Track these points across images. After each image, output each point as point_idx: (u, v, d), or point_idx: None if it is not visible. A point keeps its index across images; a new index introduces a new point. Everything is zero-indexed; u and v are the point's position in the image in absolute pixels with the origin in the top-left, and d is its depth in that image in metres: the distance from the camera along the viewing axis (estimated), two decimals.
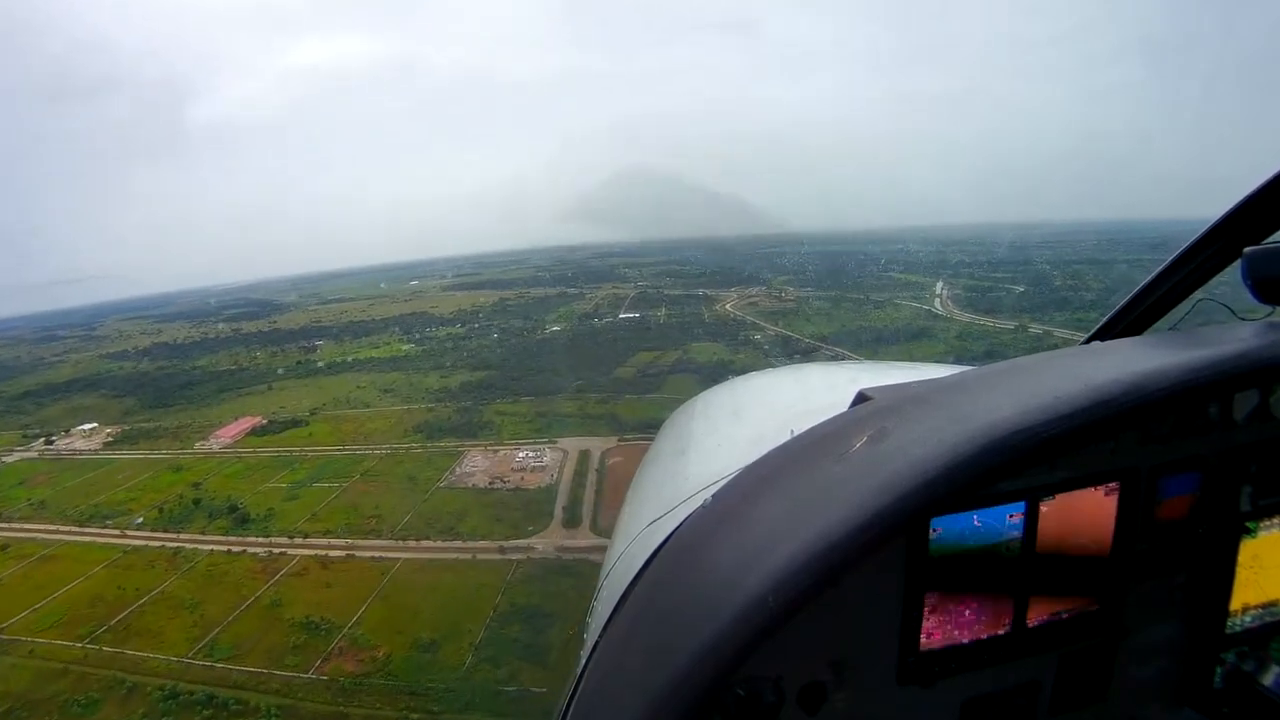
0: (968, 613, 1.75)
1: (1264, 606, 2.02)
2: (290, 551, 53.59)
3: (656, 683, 1.33)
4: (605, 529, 45.87)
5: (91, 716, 38.59)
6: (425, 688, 38.18)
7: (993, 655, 1.80)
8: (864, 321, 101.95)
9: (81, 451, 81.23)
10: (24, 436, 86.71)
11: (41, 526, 62.00)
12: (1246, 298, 2.07)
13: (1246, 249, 2.05)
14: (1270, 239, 2.16)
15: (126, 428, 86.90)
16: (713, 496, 1.92)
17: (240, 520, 58.89)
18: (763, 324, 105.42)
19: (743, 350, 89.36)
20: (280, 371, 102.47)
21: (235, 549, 54.84)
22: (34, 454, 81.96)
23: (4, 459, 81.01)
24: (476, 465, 63.96)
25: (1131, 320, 2.77)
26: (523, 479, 59.91)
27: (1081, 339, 3.06)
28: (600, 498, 55.36)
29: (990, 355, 57.28)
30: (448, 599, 45.43)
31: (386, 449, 70.14)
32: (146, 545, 57.13)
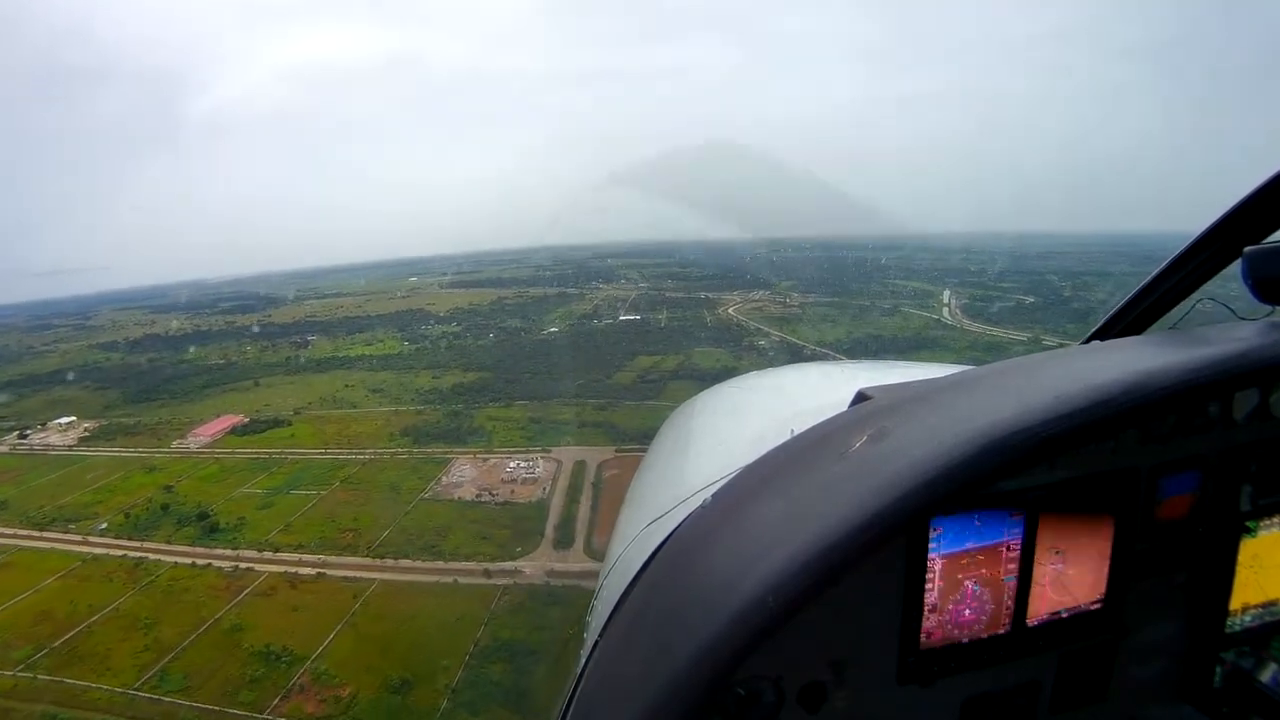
0: (968, 612, 1.73)
1: (1264, 606, 2.01)
2: (258, 567, 48.47)
3: (656, 683, 1.32)
4: (599, 552, 40.86)
5: None
6: None
7: (993, 655, 1.79)
8: (872, 329, 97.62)
9: (55, 447, 75.98)
10: None
11: None
12: (1247, 297, 2.02)
13: (1246, 248, 2.00)
14: (1270, 238, 2.12)
15: (105, 422, 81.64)
16: (712, 496, 1.89)
17: (209, 530, 53.77)
18: (767, 329, 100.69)
19: (746, 356, 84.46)
20: (268, 367, 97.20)
21: (201, 562, 49.71)
22: (5, 448, 76.67)
23: None
24: (464, 475, 58.82)
25: (1131, 320, 2.73)
26: (513, 492, 54.79)
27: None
28: (596, 515, 50.27)
29: None
30: (425, 630, 40.35)
31: (370, 454, 64.96)
32: (107, 554, 51.98)
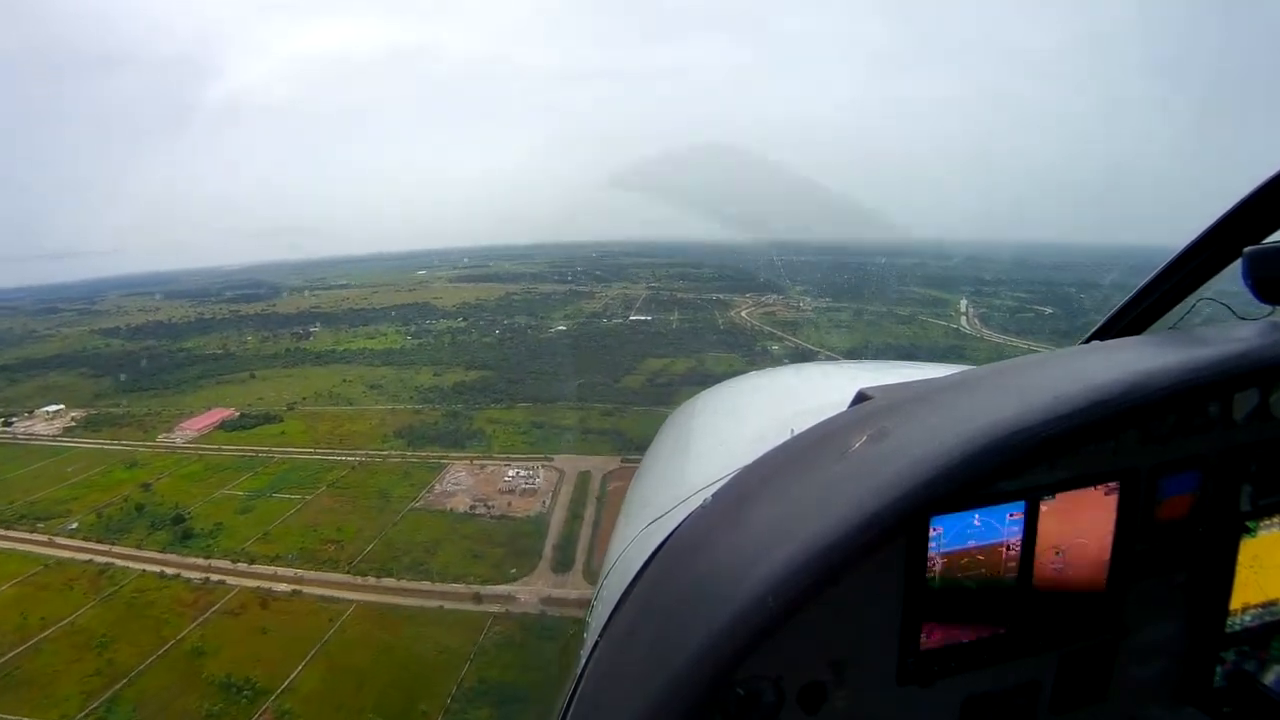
0: None
1: (1264, 606, 1.99)
2: (229, 580, 43.57)
3: (656, 682, 1.31)
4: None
5: None
6: None
7: (992, 655, 1.77)
8: (889, 338, 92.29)
9: (39, 436, 71.45)
10: None
11: None
12: (1247, 297, 2.00)
13: (1246, 248, 1.98)
14: (1270, 238, 2.11)
15: (94, 412, 77.08)
16: (712, 496, 1.89)
17: (183, 535, 48.91)
18: (780, 334, 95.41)
19: (760, 361, 78.91)
20: (267, 359, 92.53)
21: (170, 571, 44.87)
22: None
23: None
24: (459, 482, 53.78)
25: (1131, 320, 2.72)
26: (510, 504, 49.69)
27: None
28: (598, 533, 45.14)
29: None
30: (403, 665, 35.33)
31: (362, 456, 59.98)
32: (72, 559, 47.18)
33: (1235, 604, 1.96)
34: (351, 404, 73.41)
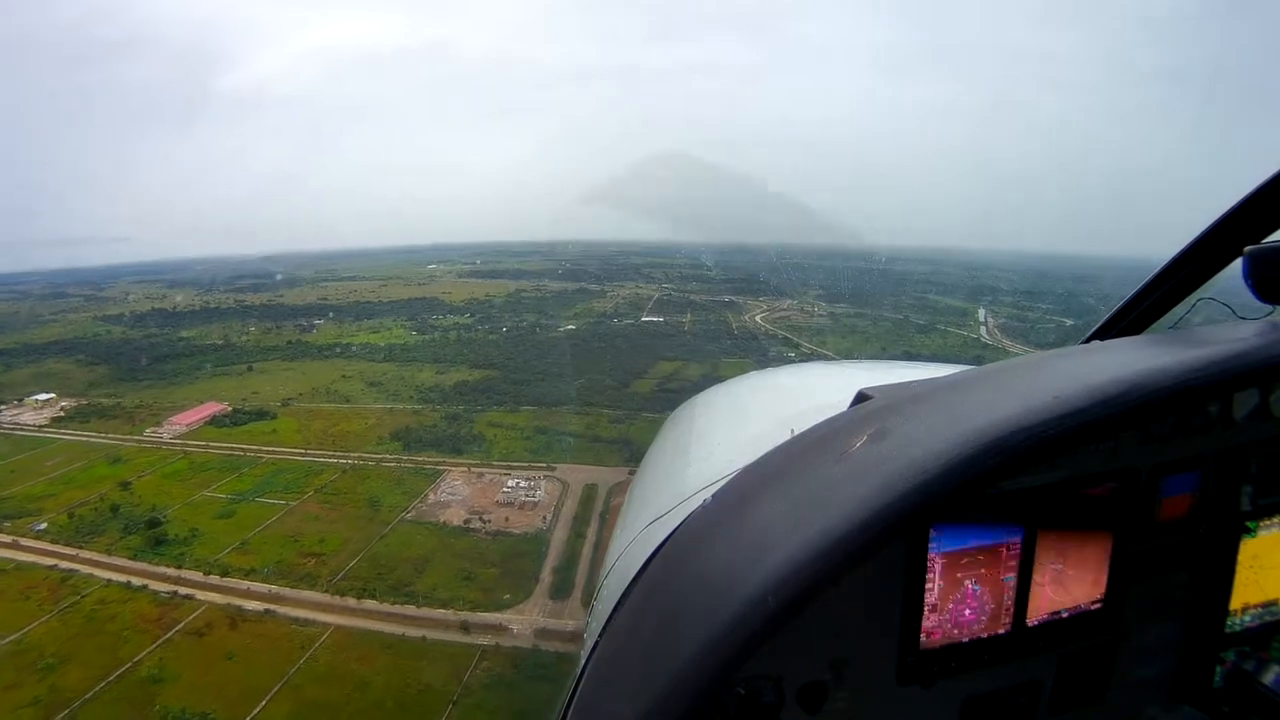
0: (968, 612, 1.69)
1: (1264, 606, 1.97)
2: (199, 595, 39.29)
3: (656, 682, 1.30)
4: None
5: None
6: None
7: (993, 655, 1.75)
8: (909, 346, 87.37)
9: (25, 426, 67.45)
10: None
11: None
12: (1247, 297, 1.97)
13: (1247, 248, 1.95)
14: (1271, 238, 2.08)
15: (85, 402, 73.16)
16: (713, 496, 1.86)
17: (156, 541, 44.70)
18: (797, 340, 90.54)
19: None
20: (267, 351, 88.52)
21: (137, 581, 40.67)
22: None
23: None
24: (455, 492, 49.30)
25: (1131, 319, 2.68)
26: (508, 519, 45.13)
27: None
28: (601, 555, 40.46)
29: None
30: (378, 704, 30.86)
31: (354, 459, 55.65)
32: (36, 563, 43.13)
33: (1235, 604, 1.93)
34: (349, 401, 69.13)
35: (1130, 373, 1.53)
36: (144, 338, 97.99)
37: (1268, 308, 1.94)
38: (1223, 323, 2.11)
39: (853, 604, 1.60)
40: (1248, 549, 1.90)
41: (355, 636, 35.43)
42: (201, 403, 69.56)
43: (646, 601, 1.71)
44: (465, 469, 52.90)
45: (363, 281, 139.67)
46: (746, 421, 3.26)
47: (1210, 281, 2.42)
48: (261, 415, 65.53)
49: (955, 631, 1.69)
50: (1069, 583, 1.76)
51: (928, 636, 1.66)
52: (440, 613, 36.60)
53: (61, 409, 71.46)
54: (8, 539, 45.70)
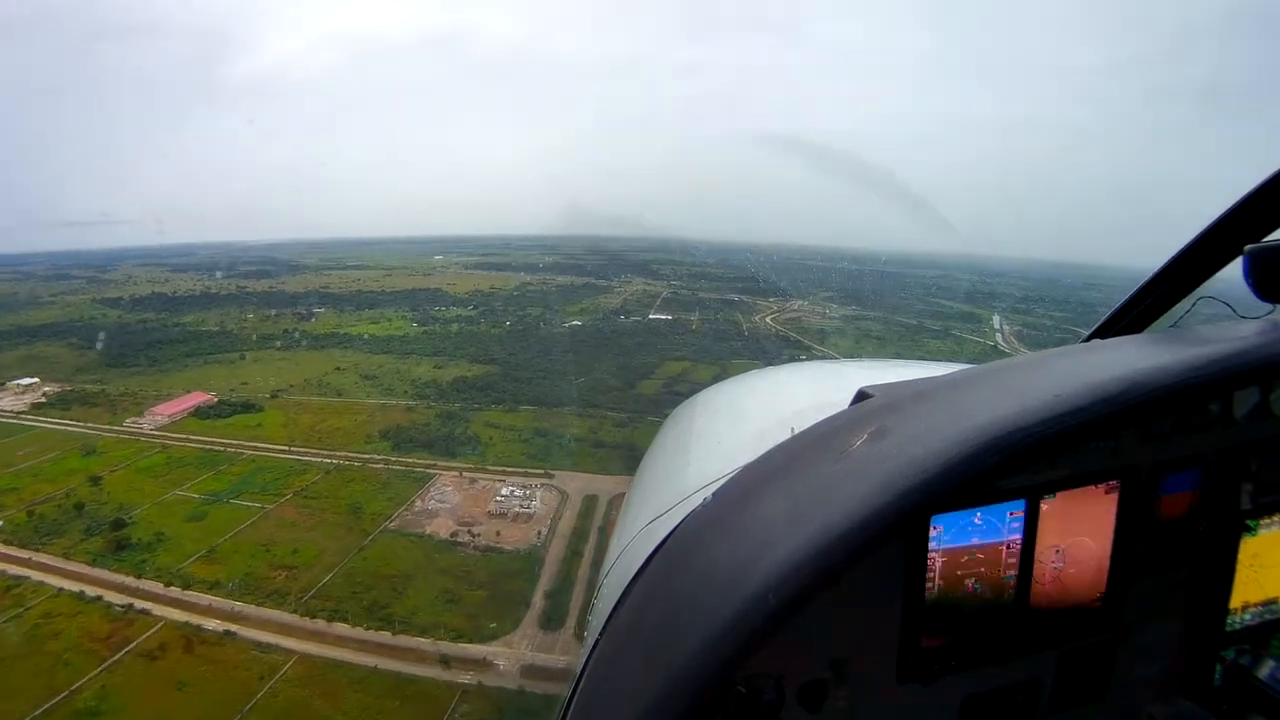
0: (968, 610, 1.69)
1: (1264, 604, 1.95)
2: (155, 610, 34.90)
3: (657, 681, 1.29)
4: None
5: None
6: None
7: (993, 653, 1.73)
8: (924, 352, 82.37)
9: (3, 412, 63.28)
10: None
11: None
12: (1248, 296, 1.95)
13: (1248, 246, 1.93)
14: (1271, 237, 2.07)
15: (69, 387, 68.96)
16: (713, 495, 1.84)
17: (118, 545, 40.35)
18: (809, 343, 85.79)
19: None
20: (263, 339, 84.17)
21: (91, 592, 36.30)
22: None
23: None
24: (444, 499, 44.76)
25: (1132, 318, 2.65)
26: (499, 533, 40.55)
27: None
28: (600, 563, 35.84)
29: None
30: None
31: (339, 458, 51.15)
32: None
33: (1235, 602, 1.91)
34: (340, 395, 64.68)
35: (1130, 371, 1.52)
36: (139, 322, 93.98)
37: (1268, 306, 1.91)
38: (1223, 321, 2.07)
39: (853, 602, 1.58)
40: (1248, 547, 1.87)
41: (322, 667, 30.96)
42: (187, 393, 65.22)
43: (647, 600, 1.68)
44: (457, 473, 48.34)
45: (367, 271, 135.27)
46: (747, 420, 3.17)
47: (1211, 280, 2.35)
48: (248, 408, 61.14)
49: (955, 630, 1.67)
50: (1069, 581, 1.73)
51: (928, 635, 1.64)
52: (418, 642, 32.10)
53: (44, 395, 67.28)
54: None
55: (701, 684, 1.22)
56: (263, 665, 31.00)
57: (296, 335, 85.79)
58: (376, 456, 51.28)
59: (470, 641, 32.11)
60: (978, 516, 1.61)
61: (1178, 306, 2.49)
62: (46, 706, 28.76)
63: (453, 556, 38.79)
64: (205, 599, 35.63)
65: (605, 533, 39.60)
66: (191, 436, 55.91)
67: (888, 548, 1.52)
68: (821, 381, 4.04)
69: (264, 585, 36.51)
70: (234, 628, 33.53)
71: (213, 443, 54.43)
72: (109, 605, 35.31)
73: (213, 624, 33.85)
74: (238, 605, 35.03)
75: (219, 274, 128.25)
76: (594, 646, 1.75)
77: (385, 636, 32.57)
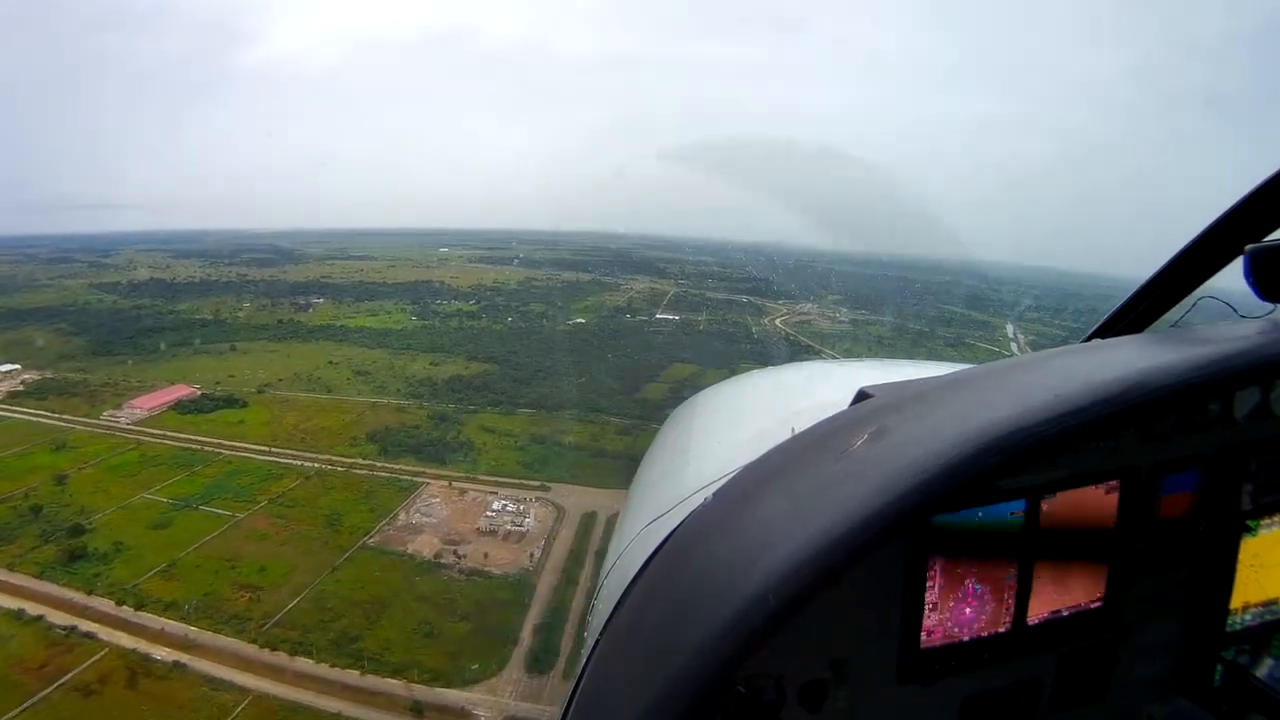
0: (968, 611, 1.65)
1: (1264, 605, 1.92)
2: (101, 634, 30.85)
3: (657, 681, 1.27)
4: None
5: None
6: None
7: (993, 653, 1.71)
8: (940, 359, 77.86)
9: None
10: None
11: None
12: (1248, 295, 1.92)
13: (1248, 246, 1.90)
14: (1272, 236, 2.04)
15: (50, 375, 65.01)
16: (713, 495, 1.81)
17: (72, 555, 36.33)
18: (819, 348, 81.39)
19: None
20: (256, 329, 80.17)
21: (32, 610, 32.24)
22: None
23: None
24: (430, 513, 40.55)
25: (1133, 318, 2.61)
26: (487, 554, 36.31)
27: None
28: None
29: None
30: None
31: (322, 462, 46.94)
32: None
33: (1236, 603, 1.88)
34: (330, 392, 60.51)
35: (1131, 371, 1.50)
36: (133, 308, 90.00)
37: (1269, 306, 1.88)
38: (1223, 321, 2.04)
39: (853, 603, 1.57)
40: (1248, 548, 1.85)
41: (279, 711, 26.83)
42: (170, 384, 61.19)
43: (647, 600, 1.66)
44: (446, 483, 44.11)
45: (372, 261, 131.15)
46: (747, 420, 3.08)
47: (1211, 280, 2.33)
48: (231, 403, 57.03)
49: (956, 630, 1.65)
50: (1069, 581, 1.71)
51: (928, 635, 1.62)
52: (388, 684, 27.92)
53: (22, 383, 63.33)
54: None
55: (701, 684, 1.21)
56: (212, 705, 26.93)
57: (292, 326, 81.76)
58: (361, 461, 47.07)
59: (448, 685, 27.87)
60: (978, 516, 1.58)
61: (1178, 306, 2.44)
62: None
63: (435, 580, 34.58)
64: (158, 622, 31.52)
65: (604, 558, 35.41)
66: (169, 433, 51.82)
67: (888, 548, 1.51)
68: (821, 381, 3.91)
69: (224, 608, 32.38)
70: (185, 658, 29.43)
71: (190, 440, 50.34)
72: (49, 627, 31.26)
73: (163, 652, 29.76)
74: (192, 631, 30.92)
75: (225, 261, 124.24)
76: (595, 646, 1.71)
77: (353, 676, 28.40)
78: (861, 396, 1.90)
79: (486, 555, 36.02)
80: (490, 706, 27.08)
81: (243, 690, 27.69)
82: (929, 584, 1.59)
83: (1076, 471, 1.66)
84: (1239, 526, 1.84)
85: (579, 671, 1.75)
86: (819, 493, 1.48)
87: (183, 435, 51.22)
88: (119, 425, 53.60)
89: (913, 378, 1.96)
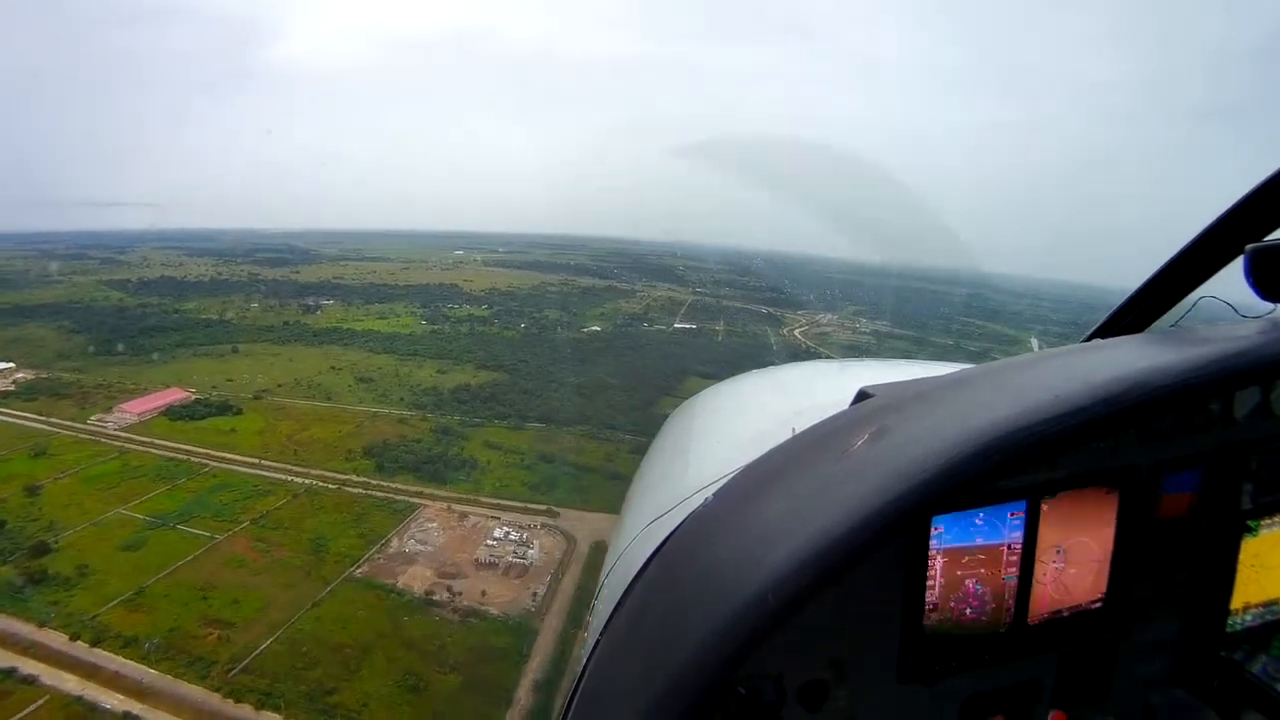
0: (969, 611, 1.64)
1: (1265, 605, 1.91)
2: (45, 677, 27.03)
3: (657, 682, 1.27)
4: None
5: None
6: None
7: (994, 653, 1.70)
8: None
9: None
10: None
11: None
12: (1249, 295, 1.90)
13: (1249, 246, 1.89)
14: (1272, 236, 2.01)
15: (45, 375, 62.05)
16: (714, 495, 1.80)
17: (31, 578, 32.62)
18: (841, 359, 76.82)
19: None
20: (261, 331, 76.98)
21: None
22: None
23: None
24: (425, 539, 36.52)
25: (1133, 317, 2.59)
26: (485, 591, 32.17)
27: None
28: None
29: None
30: None
31: (314, 478, 43.05)
32: None
33: (1236, 603, 1.87)
34: (330, 399, 56.83)
35: (1131, 371, 1.49)
36: (139, 306, 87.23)
37: (1269, 306, 1.87)
38: (1223, 321, 2.02)
39: (854, 602, 1.57)
40: (1249, 548, 1.84)
41: None
42: (166, 387, 57.86)
43: (647, 601, 1.65)
44: (445, 505, 40.10)
45: (385, 263, 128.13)
46: (747, 420, 2.97)
47: (1212, 279, 2.31)
48: (225, 409, 53.49)
49: (956, 630, 1.64)
50: (1070, 581, 1.71)
51: (928, 635, 1.62)
52: None
53: (14, 383, 60.29)
54: None
55: (702, 684, 1.21)
56: None
57: (298, 328, 78.45)
58: (355, 479, 43.13)
59: None
60: (979, 517, 1.57)
61: (1178, 306, 2.42)
62: None
63: (425, 621, 30.47)
64: (113, 662, 27.68)
65: None
66: (155, 441, 48.28)
67: (888, 548, 1.51)
68: (822, 381, 3.84)
69: (189, 647, 28.49)
70: (137, 708, 25.54)
71: (178, 450, 46.75)
72: None
73: (113, 700, 25.88)
74: (150, 675, 27.03)
75: (238, 260, 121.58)
76: (595, 646, 1.69)
77: None
78: (862, 396, 1.88)
79: (484, 593, 31.91)
80: None
81: None
82: (929, 584, 1.56)
83: (1076, 471, 1.65)
84: (1239, 526, 1.81)
85: (579, 672, 1.70)
86: (819, 493, 1.48)
87: (170, 444, 47.62)
88: (104, 431, 50.19)
89: (913, 378, 1.94)
